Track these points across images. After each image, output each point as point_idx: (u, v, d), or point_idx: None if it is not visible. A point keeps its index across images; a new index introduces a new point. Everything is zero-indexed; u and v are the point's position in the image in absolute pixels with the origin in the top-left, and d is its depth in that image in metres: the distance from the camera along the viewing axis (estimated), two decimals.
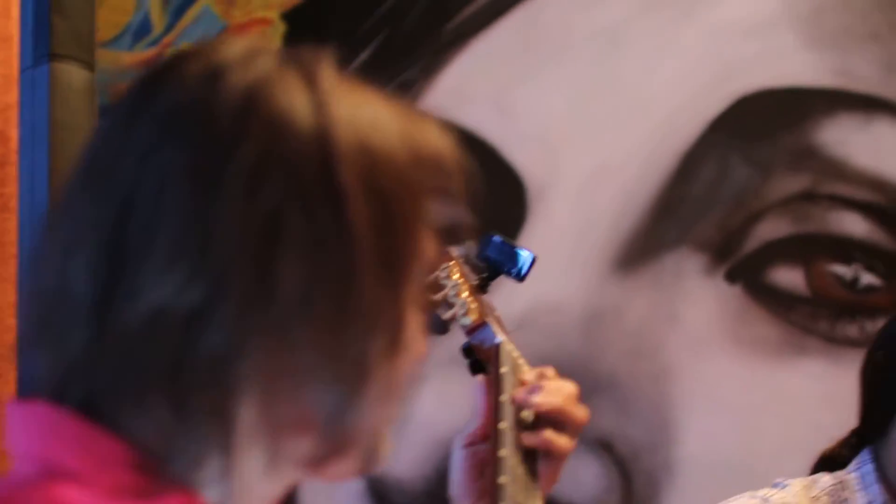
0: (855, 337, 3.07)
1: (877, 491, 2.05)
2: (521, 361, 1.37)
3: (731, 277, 3.10)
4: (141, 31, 3.14)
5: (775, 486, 2.10)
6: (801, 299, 3.09)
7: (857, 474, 2.07)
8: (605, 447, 3.04)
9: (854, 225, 3.14)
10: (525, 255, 1.44)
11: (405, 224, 0.88)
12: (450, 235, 1.27)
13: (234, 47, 0.90)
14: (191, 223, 0.85)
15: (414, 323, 0.92)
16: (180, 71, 0.90)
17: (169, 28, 3.13)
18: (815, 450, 2.26)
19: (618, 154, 3.13)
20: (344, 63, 0.95)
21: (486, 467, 1.28)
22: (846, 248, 3.12)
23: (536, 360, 3.08)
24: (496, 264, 1.43)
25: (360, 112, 0.89)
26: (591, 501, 3.04)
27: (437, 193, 0.94)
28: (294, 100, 0.87)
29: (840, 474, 2.11)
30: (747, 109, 3.16)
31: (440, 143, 0.93)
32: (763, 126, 3.17)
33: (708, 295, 3.10)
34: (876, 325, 3.08)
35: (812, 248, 3.12)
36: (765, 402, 3.06)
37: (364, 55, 3.17)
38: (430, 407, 3.01)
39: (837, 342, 2.98)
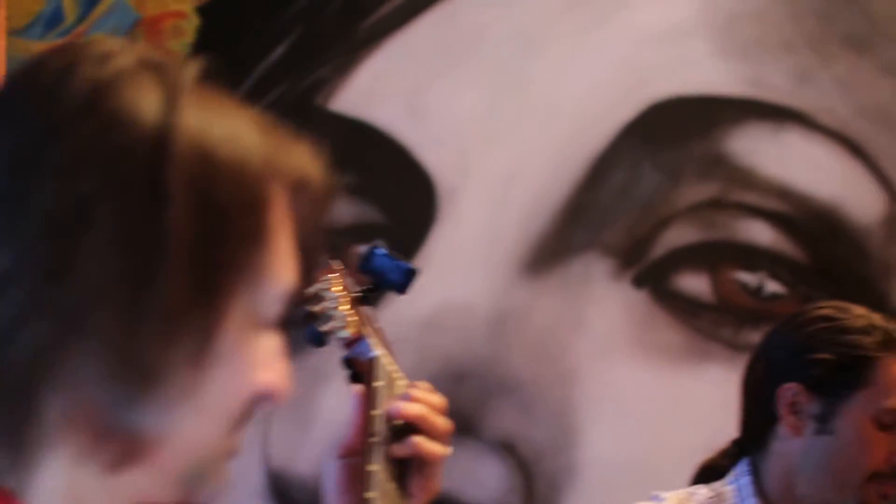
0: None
1: None
2: (398, 376, 1.38)
3: (638, 283, 3.14)
4: (53, 20, 3.13)
5: (653, 499, 2.11)
6: (706, 306, 3.13)
7: (735, 486, 2.09)
8: (507, 449, 3.07)
9: (760, 233, 3.19)
10: (407, 269, 1.44)
11: (237, 239, 0.88)
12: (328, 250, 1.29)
13: (98, 45, 0.92)
14: (9, 194, 0.87)
15: (239, 340, 0.89)
16: (43, 63, 0.92)
17: (81, 18, 3.13)
18: None
19: (529, 157, 3.16)
20: (229, 79, 0.96)
21: (356, 481, 1.30)
22: (752, 256, 3.17)
23: (443, 361, 3.11)
24: (379, 277, 1.43)
25: (212, 123, 0.90)
26: (493, 502, 3.06)
27: (299, 215, 0.93)
28: (142, 100, 0.88)
29: (717, 486, 2.13)
30: (659, 116, 3.20)
31: (305, 166, 0.94)
32: (674, 133, 3.21)
33: (614, 299, 3.13)
34: None
35: (718, 256, 3.17)
36: (668, 407, 3.10)
37: (278, 51, 3.18)
38: (333, 403, 3.03)
39: (741, 349, 3.02)
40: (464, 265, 3.11)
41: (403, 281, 1.46)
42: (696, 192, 3.19)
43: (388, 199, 3.15)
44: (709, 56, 3.23)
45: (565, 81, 3.18)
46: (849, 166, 3.24)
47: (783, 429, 2.06)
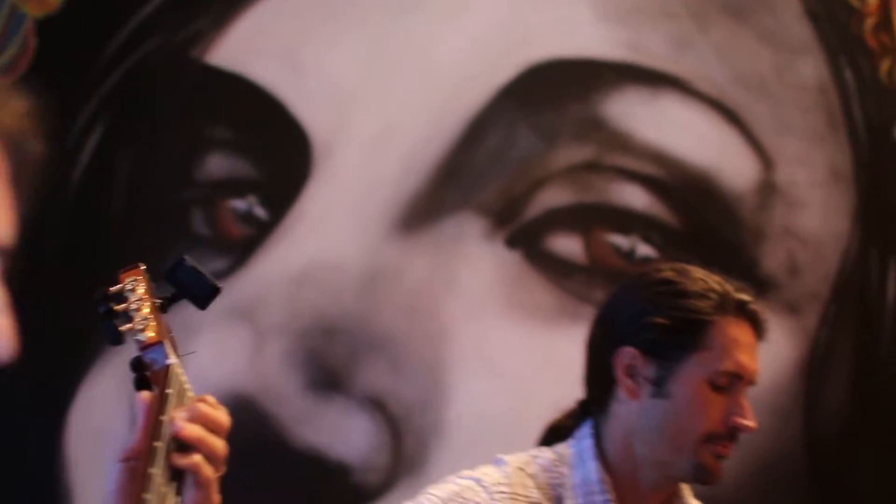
0: None
1: (593, 468, 2.07)
2: (188, 387, 1.41)
3: (511, 243, 3.18)
4: None
5: (496, 462, 2.11)
6: (579, 267, 3.18)
7: (577, 449, 2.10)
8: (377, 406, 3.10)
9: (634, 197, 3.24)
10: (211, 286, 1.46)
11: None
12: None
13: None
14: None
15: None
16: None
17: None
18: None
19: (406, 116, 3.19)
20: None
21: (136, 482, 1.33)
22: (625, 220, 3.22)
23: (314, 316, 3.14)
24: (181, 287, 1.46)
25: None
26: (361, 459, 3.10)
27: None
28: None
29: (560, 448, 2.13)
30: (537, 78, 3.25)
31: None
32: (552, 95, 3.25)
33: (487, 259, 3.17)
34: None
35: (592, 218, 3.21)
36: (537, 367, 3.15)
37: (154, 2, 3.19)
38: (206, 361, 3.05)
39: None
40: (337, 222, 3.14)
41: (205, 296, 1.48)
42: (572, 154, 3.24)
43: (263, 155, 3.17)
44: (589, 19, 3.28)
45: (444, 40, 3.22)
46: (724, 133, 3.29)
47: (621, 392, 2.08)
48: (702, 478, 2.08)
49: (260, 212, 3.14)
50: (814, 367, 3.31)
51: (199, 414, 1.37)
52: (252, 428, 3.06)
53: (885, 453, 3.34)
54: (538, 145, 3.23)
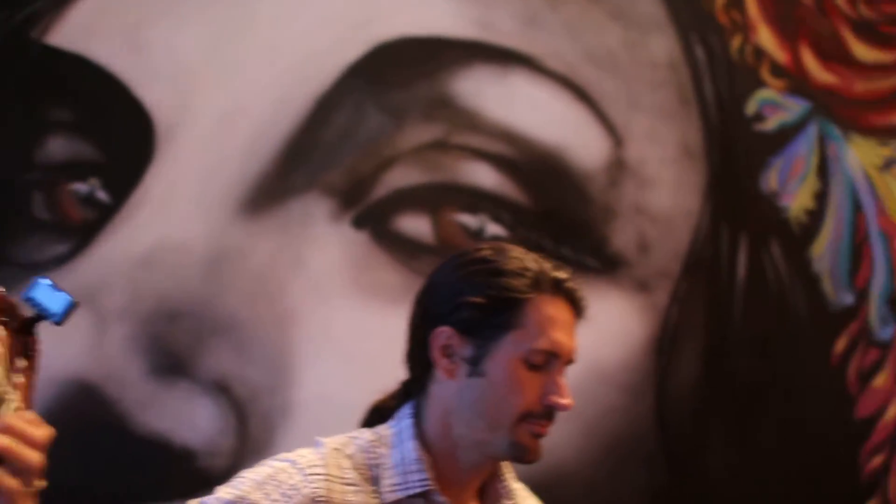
0: None
1: (411, 447, 2.08)
2: (12, 397, 1.42)
3: (358, 224, 3.19)
4: None
5: (315, 444, 2.12)
6: (427, 247, 3.20)
7: (396, 429, 2.11)
8: (222, 389, 3.11)
9: (483, 176, 3.25)
10: (65, 301, 1.49)
11: None
12: None
13: None
14: None
15: None
16: None
17: None
18: None
19: (251, 96, 3.18)
20: None
21: None
22: (474, 199, 3.24)
23: (157, 299, 3.13)
24: (37, 306, 1.48)
25: None
26: (206, 444, 3.10)
27: None
28: None
29: (380, 429, 2.14)
30: (385, 56, 3.25)
31: None
32: (400, 74, 3.26)
33: (334, 240, 3.18)
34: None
35: (440, 198, 3.23)
36: (384, 348, 3.14)
37: None
38: (47, 347, 3.02)
39: None
40: (181, 204, 3.13)
41: (61, 312, 1.51)
42: (421, 133, 3.25)
43: (105, 136, 3.15)
44: None
45: (290, 19, 3.21)
46: (574, 110, 3.32)
47: (439, 372, 2.09)
48: (519, 456, 2.08)
49: (102, 195, 3.12)
50: (664, 345, 3.36)
51: (10, 426, 1.38)
52: (95, 413, 3.05)
53: (736, 430, 3.40)
54: (386, 124, 3.23)
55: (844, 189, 3.49)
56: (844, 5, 3.53)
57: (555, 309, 2.08)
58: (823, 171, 3.49)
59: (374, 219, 3.20)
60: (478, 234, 3.21)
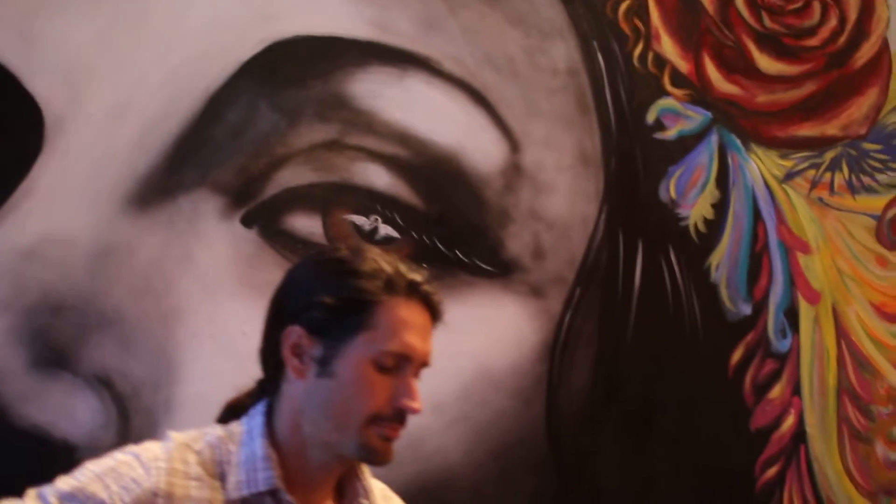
0: None
1: (259, 444, 2.08)
2: None
3: (248, 221, 3.21)
4: None
5: (165, 439, 2.12)
6: (317, 247, 3.20)
7: (247, 427, 2.12)
8: (104, 384, 3.11)
9: (377, 177, 3.27)
10: None
11: None
12: None
13: None
14: None
15: None
16: None
17: None
18: None
19: (142, 91, 3.20)
20: None
21: None
22: (367, 200, 3.25)
23: (41, 292, 3.13)
24: None
25: None
26: (87, 438, 3.10)
27: None
28: None
29: (232, 426, 2.15)
30: (280, 55, 3.27)
31: None
32: (295, 73, 3.28)
33: (222, 238, 3.19)
34: None
35: (332, 197, 3.24)
36: None
37: None
38: None
39: None
40: (68, 197, 3.14)
41: None
42: (314, 133, 3.27)
43: None
44: None
45: (184, 15, 3.24)
46: (471, 114, 3.34)
47: (290, 371, 2.09)
48: (368, 458, 2.09)
49: None
50: (557, 351, 3.37)
51: None
52: None
53: (628, 439, 3.41)
54: (279, 123, 3.25)
55: (744, 199, 3.52)
56: (749, 17, 3.57)
57: (408, 312, 2.09)
58: (723, 181, 3.52)
59: (263, 217, 3.22)
60: (370, 235, 3.23)
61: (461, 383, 3.30)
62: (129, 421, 3.14)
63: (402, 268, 2.10)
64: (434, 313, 2.12)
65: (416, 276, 2.10)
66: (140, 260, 3.17)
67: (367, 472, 2.19)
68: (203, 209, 3.20)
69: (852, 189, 3.60)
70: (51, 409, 3.09)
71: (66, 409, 3.11)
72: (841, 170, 3.59)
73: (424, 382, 3.25)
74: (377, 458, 2.08)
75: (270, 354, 2.14)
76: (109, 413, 3.13)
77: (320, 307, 2.07)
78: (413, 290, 2.09)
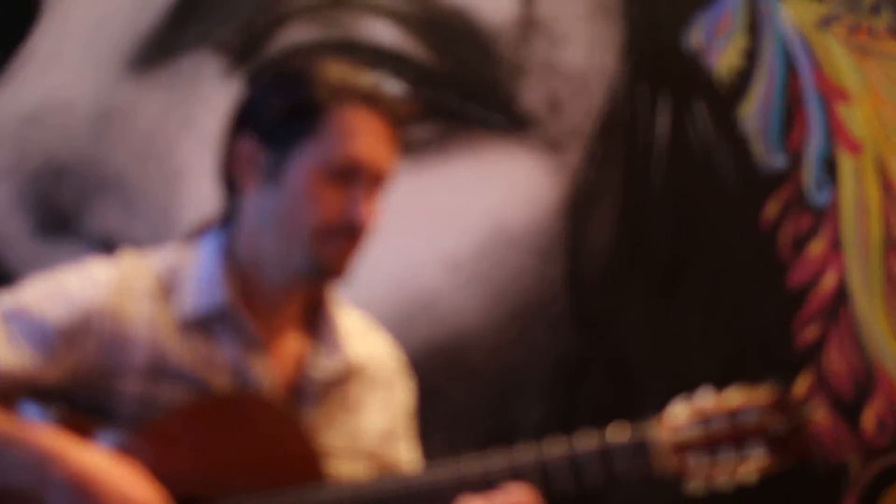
0: None
1: (214, 262, 2.03)
2: None
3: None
4: None
5: (116, 257, 2.09)
6: None
7: (205, 246, 2.08)
8: (107, 247, 3.12)
9: (384, 33, 3.23)
10: None
11: None
12: None
13: None
14: None
15: None
16: None
17: None
18: None
19: None
20: None
21: None
22: (373, 57, 3.21)
23: (43, 157, 3.16)
24: None
25: None
26: None
27: None
28: None
29: (193, 246, 2.12)
30: None
31: None
32: None
33: (224, 98, 3.17)
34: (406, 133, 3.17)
35: (337, 55, 3.19)
36: None
37: None
38: None
39: None
40: (68, 61, 3.17)
41: None
42: None
43: None
44: None
45: None
46: None
47: (243, 184, 2.06)
48: (320, 274, 2.04)
49: None
50: (577, 207, 3.30)
51: None
52: None
53: (655, 299, 3.33)
54: None
55: (776, 46, 3.40)
56: None
57: (359, 120, 2.03)
58: (754, 28, 3.40)
59: None
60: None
61: (477, 242, 3.25)
62: None
63: (359, 75, 2.04)
64: (392, 121, 2.05)
65: (372, 82, 2.04)
66: (142, 122, 3.18)
67: (333, 302, 2.15)
68: (204, 70, 3.20)
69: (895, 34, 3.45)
70: None
71: None
72: (880, 14, 3.43)
73: (438, 241, 3.23)
74: (329, 274, 2.03)
75: (226, 168, 2.10)
76: None
77: (268, 114, 2.03)
78: (367, 98, 2.02)
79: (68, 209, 3.14)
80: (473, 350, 3.25)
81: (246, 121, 2.07)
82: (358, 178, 2.01)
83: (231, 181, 2.10)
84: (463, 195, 3.22)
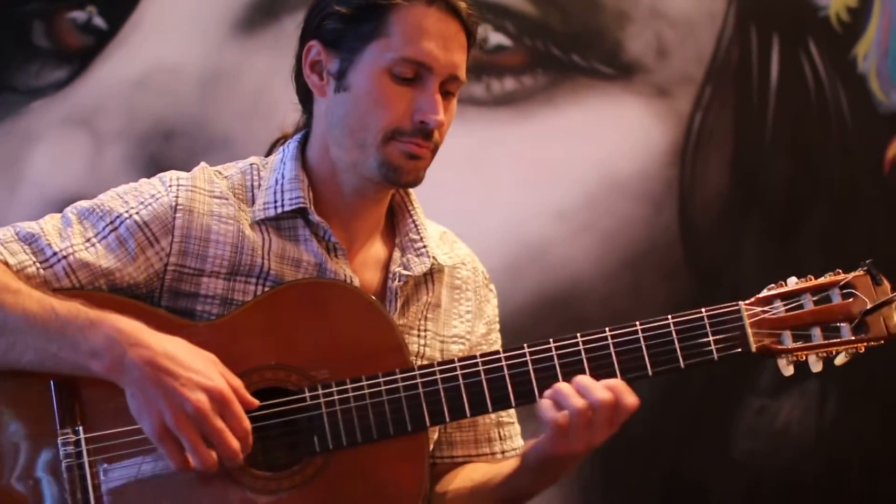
0: (480, 96, 3.19)
1: (290, 167, 2.09)
2: None
3: None
4: None
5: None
6: None
7: (281, 154, 2.14)
8: None
9: None
10: None
11: None
12: None
13: None
14: None
15: None
16: None
17: None
18: None
19: None
20: None
21: None
22: (478, 7, 3.22)
23: (153, 120, 3.25)
24: None
25: None
26: None
27: None
28: None
29: (271, 156, 2.18)
30: None
31: None
32: None
33: None
34: (503, 85, 3.20)
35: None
36: None
37: None
38: (45, 169, 3.18)
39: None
40: (175, 26, 3.26)
41: None
42: None
43: None
44: None
45: None
46: None
47: (314, 90, 2.10)
48: (392, 177, 2.03)
49: (99, 21, 3.26)
50: (688, 154, 3.28)
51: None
52: None
53: (770, 243, 3.29)
54: None
55: None
56: None
57: (427, 18, 2.04)
58: None
59: None
60: (481, 45, 3.20)
61: (585, 191, 3.25)
62: None
63: None
64: (463, 21, 2.05)
65: None
66: (247, 83, 3.25)
67: (418, 208, 2.16)
68: None
69: None
70: None
71: None
72: None
73: (545, 190, 3.23)
74: (402, 176, 2.03)
75: (299, 78, 2.15)
76: None
77: (334, 17, 2.05)
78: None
79: (178, 169, 3.21)
80: (584, 299, 3.25)
81: (313, 29, 2.10)
82: (428, 80, 2.01)
83: (305, 92, 2.14)
84: (571, 145, 3.22)
